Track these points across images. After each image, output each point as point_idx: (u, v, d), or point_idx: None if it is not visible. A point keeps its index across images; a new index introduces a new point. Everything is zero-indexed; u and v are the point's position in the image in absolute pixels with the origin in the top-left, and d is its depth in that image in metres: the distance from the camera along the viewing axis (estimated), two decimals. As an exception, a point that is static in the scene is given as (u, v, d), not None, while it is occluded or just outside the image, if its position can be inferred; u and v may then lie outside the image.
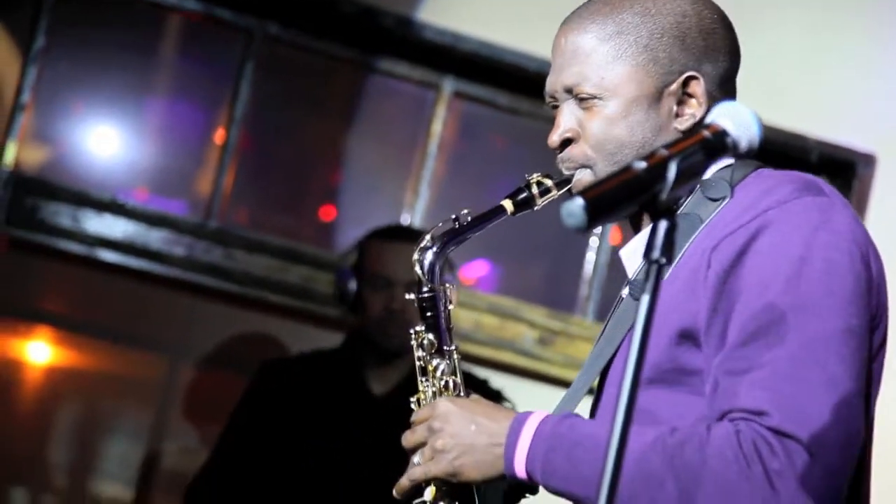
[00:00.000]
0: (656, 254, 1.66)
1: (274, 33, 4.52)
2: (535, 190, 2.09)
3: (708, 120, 1.76)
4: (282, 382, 3.90)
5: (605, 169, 2.02)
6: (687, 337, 1.91)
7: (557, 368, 4.51)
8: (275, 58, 4.58)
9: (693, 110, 2.04)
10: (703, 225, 1.98)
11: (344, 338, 4.05)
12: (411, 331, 2.12)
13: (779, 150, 4.47)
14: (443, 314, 2.12)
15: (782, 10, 4.53)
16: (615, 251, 4.67)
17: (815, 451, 1.80)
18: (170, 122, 4.73)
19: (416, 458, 2.02)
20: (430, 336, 2.12)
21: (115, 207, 4.41)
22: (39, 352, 4.73)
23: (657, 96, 2.04)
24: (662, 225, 1.67)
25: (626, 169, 1.67)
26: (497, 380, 4.08)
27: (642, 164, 1.67)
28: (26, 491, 4.74)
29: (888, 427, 4.29)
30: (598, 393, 2.08)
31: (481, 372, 4.16)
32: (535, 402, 3.88)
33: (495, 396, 3.91)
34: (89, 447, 4.80)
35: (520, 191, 2.10)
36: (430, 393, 2.11)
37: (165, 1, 4.46)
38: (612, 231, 4.62)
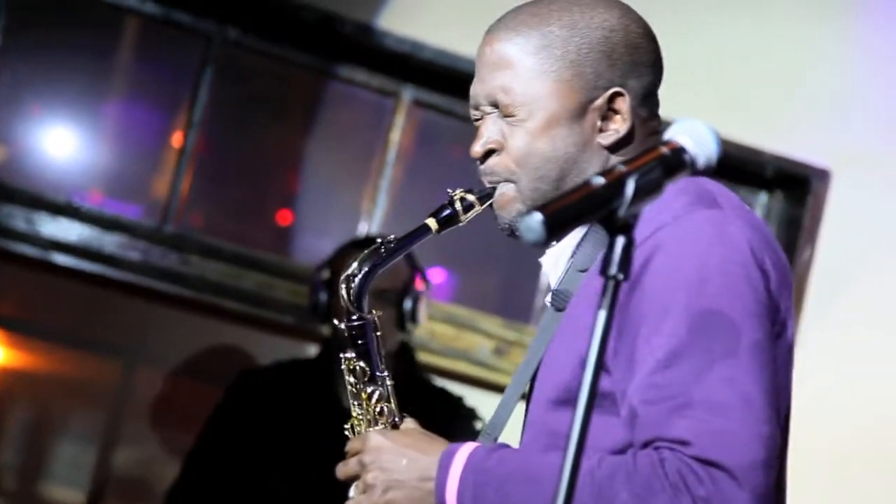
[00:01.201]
0: (613, 270, 1.67)
1: (233, 38, 4.51)
2: (458, 206, 2.07)
3: (666, 136, 1.77)
4: (257, 393, 3.88)
5: (528, 184, 2.01)
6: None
7: (512, 378, 4.53)
8: (234, 62, 4.57)
9: (617, 126, 2.03)
10: None
11: (319, 349, 4.04)
12: (341, 356, 2.09)
13: (734, 164, 4.49)
14: (374, 341, 2.09)
15: (738, 22, 4.55)
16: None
17: (739, 475, 1.79)
18: (126, 125, 4.71)
19: (351, 491, 2.02)
20: (362, 363, 2.08)
21: (70, 211, 4.38)
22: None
23: (581, 111, 2.03)
24: (620, 241, 1.68)
25: (585, 184, 1.68)
26: (452, 390, 4.08)
27: (601, 180, 1.68)
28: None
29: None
30: (526, 406, 2.07)
31: (437, 381, 4.16)
32: (490, 412, 3.90)
33: (469, 415, 3.91)
34: (40, 450, 4.77)
35: (443, 208, 2.08)
36: (363, 420, 2.09)
37: (124, 3, 4.43)
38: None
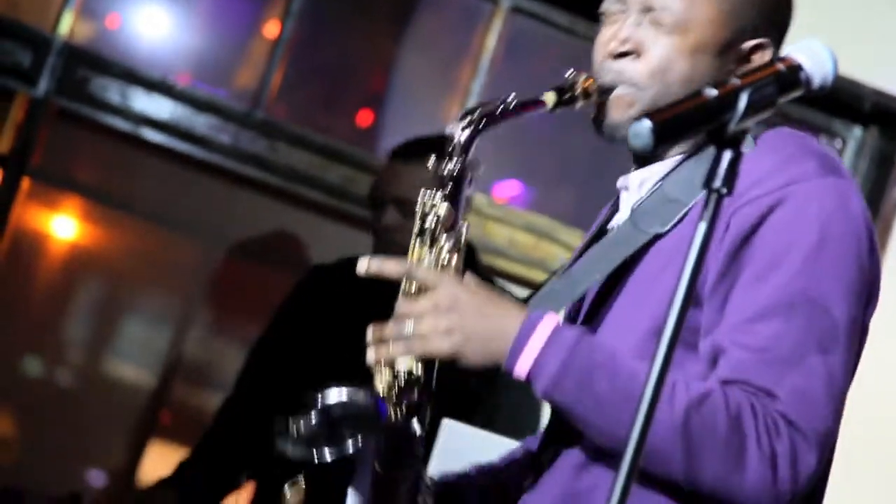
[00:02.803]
0: (717, 183, 1.67)
1: (337, -69, 4.51)
2: (578, 89, 2.03)
3: (783, 53, 1.75)
4: (327, 288, 3.86)
5: (653, 97, 1.99)
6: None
7: (588, 292, 4.53)
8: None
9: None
10: None
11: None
12: (422, 191, 2.03)
13: (830, 96, 4.43)
14: (464, 192, 2.04)
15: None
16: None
17: (812, 444, 1.83)
18: (219, 11, 4.73)
19: (407, 324, 1.93)
20: (447, 206, 2.02)
21: (164, 88, 4.42)
22: (70, 222, 4.76)
23: (727, 49, 2.01)
24: (727, 155, 1.67)
25: (697, 94, 1.67)
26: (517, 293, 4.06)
27: (713, 92, 1.67)
28: (40, 361, 4.78)
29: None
30: (575, 313, 2.06)
31: (515, 290, 4.16)
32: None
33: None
34: (110, 326, 4.84)
35: (563, 89, 2.03)
36: (426, 262, 2.02)
37: None
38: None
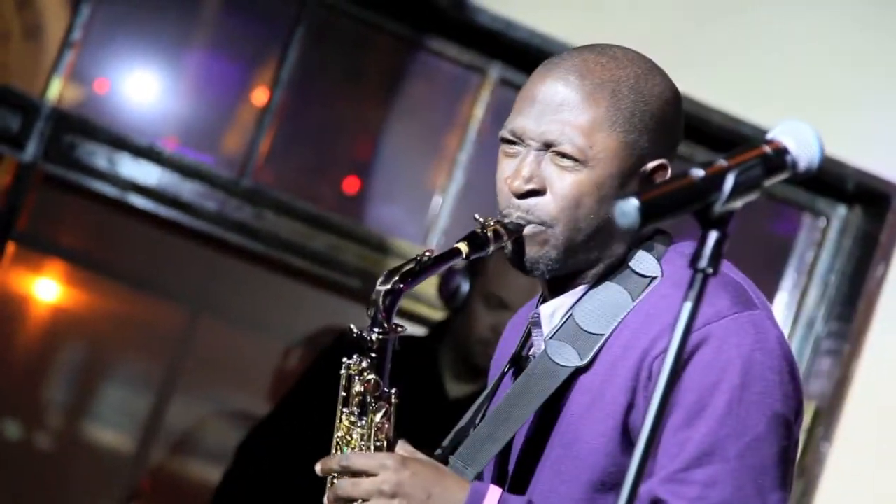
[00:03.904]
0: (703, 264, 1.68)
1: (329, 1, 4.53)
2: (490, 234, 2.02)
3: (770, 135, 1.77)
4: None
5: (564, 232, 1.99)
6: (626, 439, 1.93)
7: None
8: (325, 25, 4.59)
9: None
10: (635, 303, 1.99)
11: (429, 329, 4.01)
12: (344, 360, 2.02)
13: (815, 175, 4.45)
14: (390, 358, 2.02)
15: (827, 39, 4.53)
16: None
17: None
18: (208, 77, 4.75)
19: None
20: (373, 376, 2.00)
21: (151, 154, 4.42)
22: (53, 286, 4.75)
23: (629, 176, 2.02)
24: (713, 235, 1.68)
25: (684, 175, 1.68)
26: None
27: (700, 173, 1.69)
28: (20, 426, 4.75)
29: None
30: (504, 458, 2.06)
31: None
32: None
33: None
34: (91, 391, 4.81)
35: (475, 235, 2.02)
36: (356, 433, 2.02)
37: (222, -44, 4.46)
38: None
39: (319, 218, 4.50)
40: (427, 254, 2.01)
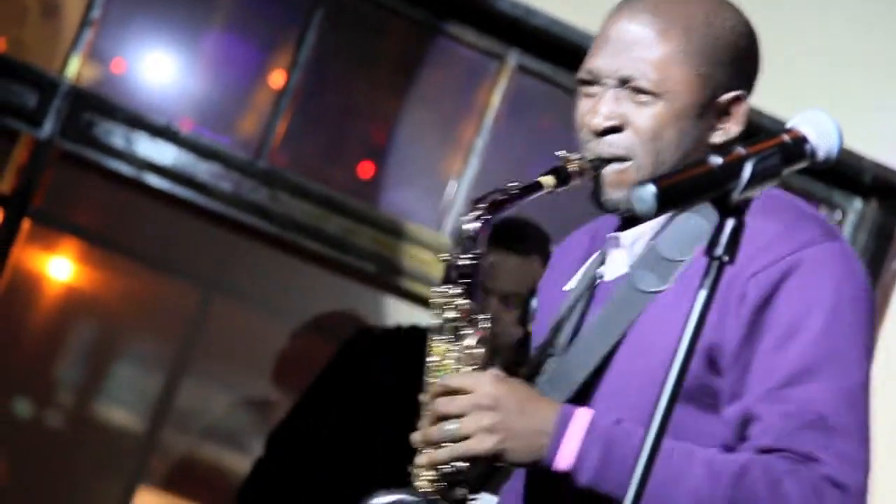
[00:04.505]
0: (720, 251, 1.68)
1: (347, -17, 4.54)
2: (572, 168, 2.05)
3: (789, 124, 1.77)
4: (373, 354, 3.86)
5: (648, 166, 2.02)
6: (711, 357, 1.96)
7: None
8: (342, 8, 4.59)
9: (729, 127, 2.07)
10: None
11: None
12: (436, 289, 2.04)
13: (831, 168, 4.44)
14: (480, 285, 2.05)
15: (850, 32, 4.51)
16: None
17: (858, 498, 1.91)
18: (225, 58, 4.75)
19: (450, 426, 1.97)
20: (466, 301, 2.03)
21: (168, 134, 4.42)
22: (68, 265, 4.76)
23: (706, 108, 2.05)
24: (730, 223, 1.68)
25: (702, 162, 1.68)
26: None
27: (719, 160, 1.68)
28: (30, 403, 4.76)
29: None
30: (590, 382, 2.06)
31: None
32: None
33: None
34: (103, 370, 4.82)
35: (558, 170, 2.06)
36: (450, 359, 2.05)
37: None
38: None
39: (334, 201, 4.50)
40: (513, 184, 2.05)
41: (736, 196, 1.68)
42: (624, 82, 2.04)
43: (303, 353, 4.52)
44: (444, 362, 2.06)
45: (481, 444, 1.94)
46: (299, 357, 4.49)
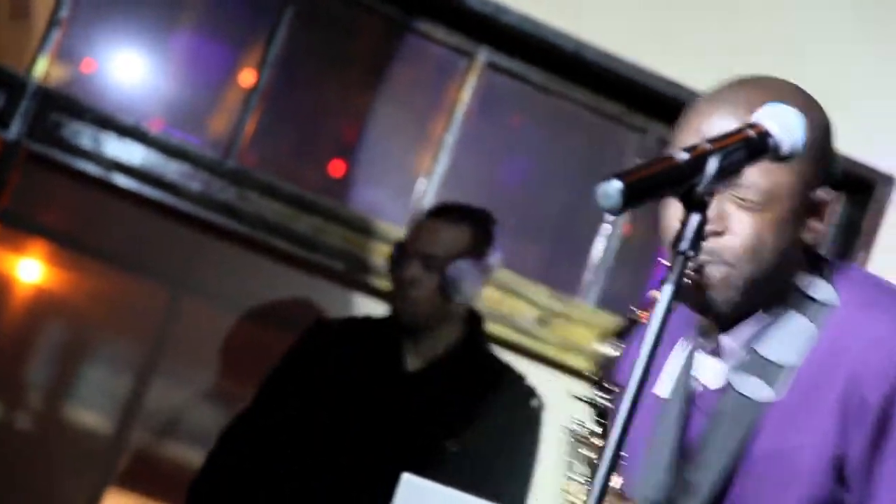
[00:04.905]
0: (685, 245, 1.68)
1: (316, -19, 4.53)
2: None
3: (753, 119, 1.77)
4: (329, 344, 3.86)
5: (746, 272, 1.97)
6: (838, 468, 1.92)
7: (554, 350, 4.52)
8: (313, 6, 4.58)
9: (820, 225, 2.02)
10: (820, 331, 1.98)
11: (390, 310, 4.02)
12: (576, 424, 1.98)
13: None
14: (611, 423, 1.94)
15: (815, 25, 4.53)
16: (626, 240, 4.67)
17: None
18: (195, 58, 4.73)
19: None
20: (598, 440, 1.95)
21: (137, 134, 4.41)
22: (36, 266, 4.73)
23: (802, 206, 2.01)
24: (695, 218, 1.69)
25: (668, 157, 1.69)
26: (515, 367, 4.02)
27: (684, 155, 1.69)
28: (0, 406, 4.74)
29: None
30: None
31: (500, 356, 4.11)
32: (533, 380, 3.89)
33: (527, 394, 3.87)
34: (71, 372, 4.80)
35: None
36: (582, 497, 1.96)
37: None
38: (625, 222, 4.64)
39: (303, 199, 4.50)
40: (633, 310, 2.00)
41: (701, 190, 1.68)
42: (728, 187, 1.97)
43: (271, 350, 4.49)
44: (574, 497, 1.98)
45: None
46: (267, 355, 4.46)
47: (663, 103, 4.50)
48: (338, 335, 3.88)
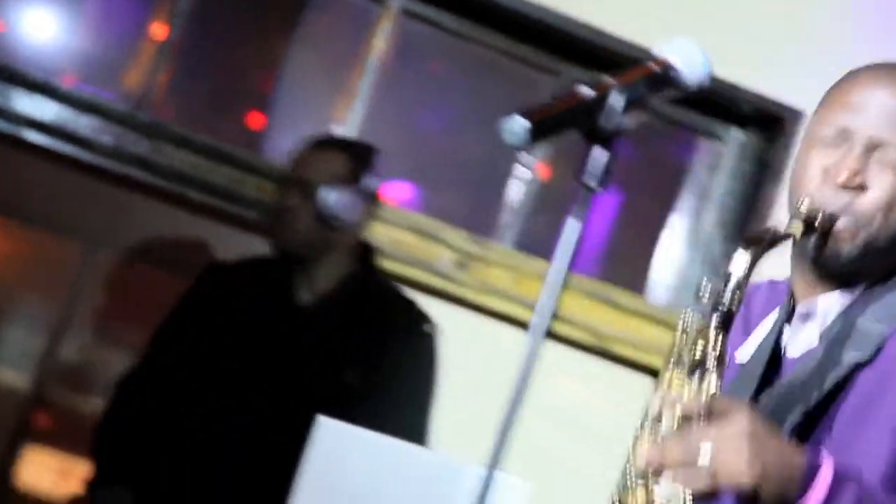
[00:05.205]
0: (592, 182, 1.70)
1: (223, -70, 4.48)
2: (818, 223, 2.03)
3: (656, 53, 1.78)
4: (222, 286, 3.87)
5: (873, 230, 2.03)
6: None
7: (473, 293, 4.54)
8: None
9: None
10: None
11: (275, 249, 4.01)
12: (693, 310, 1.96)
13: (711, 99, 4.51)
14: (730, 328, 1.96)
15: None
16: (543, 184, 4.70)
17: None
18: (106, 12, 4.68)
19: (704, 456, 1.82)
20: (722, 339, 1.93)
21: (47, 89, 4.36)
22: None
23: None
24: (601, 153, 1.70)
25: (573, 94, 1.70)
26: (408, 295, 4.05)
27: (588, 90, 1.70)
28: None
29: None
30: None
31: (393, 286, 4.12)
32: (447, 325, 3.91)
33: (423, 321, 3.89)
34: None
35: (807, 219, 2.03)
36: (686, 391, 1.91)
37: None
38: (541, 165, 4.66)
39: (219, 151, 4.47)
40: (771, 231, 2.01)
41: (605, 125, 1.70)
42: (874, 147, 2.04)
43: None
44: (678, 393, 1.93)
45: (737, 477, 1.82)
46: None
47: (577, 46, 4.52)
48: (230, 276, 3.88)
